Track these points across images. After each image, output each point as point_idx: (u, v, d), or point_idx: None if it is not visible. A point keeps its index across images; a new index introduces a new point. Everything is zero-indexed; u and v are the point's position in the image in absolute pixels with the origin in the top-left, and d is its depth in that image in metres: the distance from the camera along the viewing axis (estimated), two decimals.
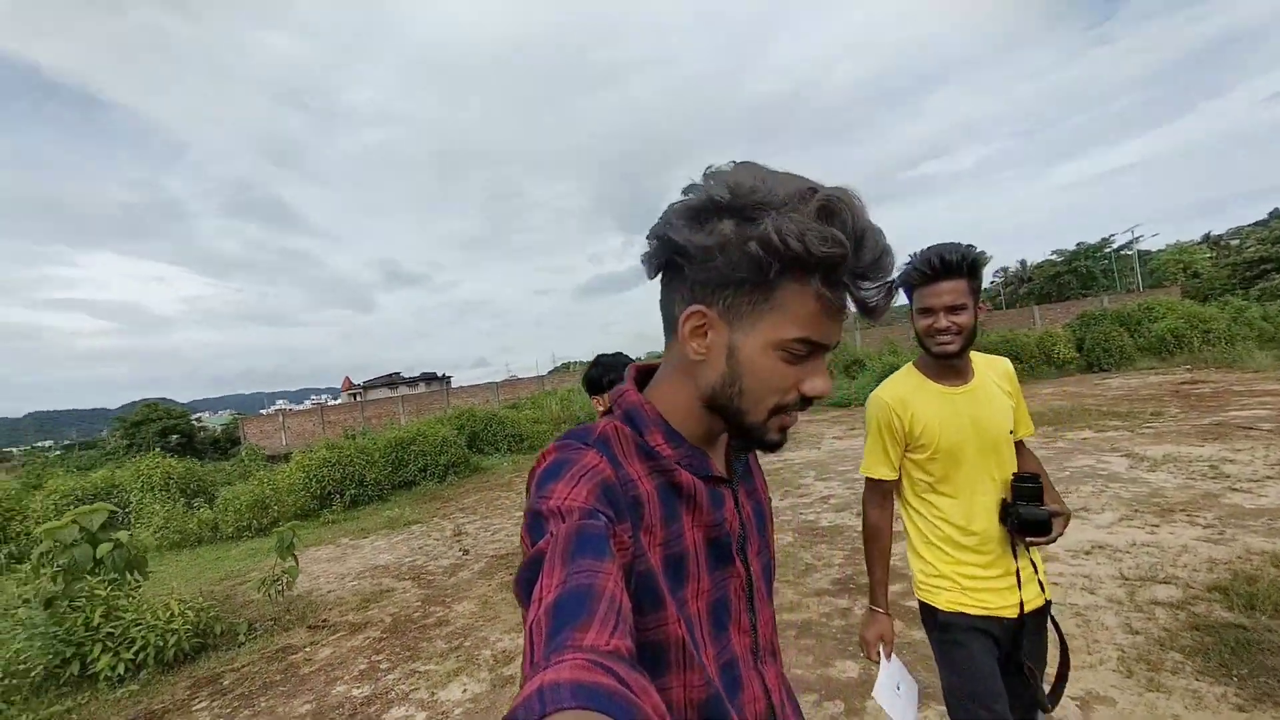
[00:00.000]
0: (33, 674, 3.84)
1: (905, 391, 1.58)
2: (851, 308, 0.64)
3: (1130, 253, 31.36)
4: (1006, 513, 1.48)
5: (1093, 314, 16.69)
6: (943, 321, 1.45)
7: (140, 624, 4.11)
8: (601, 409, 1.88)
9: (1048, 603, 1.55)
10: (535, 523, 0.56)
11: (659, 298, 0.72)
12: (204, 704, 3.57)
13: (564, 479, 0.60)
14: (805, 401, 0.67)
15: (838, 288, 0.61)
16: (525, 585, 0.51)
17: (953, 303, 1.44)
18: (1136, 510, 4.51)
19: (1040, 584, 1.53)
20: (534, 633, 0.44)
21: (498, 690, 3.25)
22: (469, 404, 20.71)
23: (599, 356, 2.36)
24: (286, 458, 12.32)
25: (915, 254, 1.49)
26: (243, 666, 4.02)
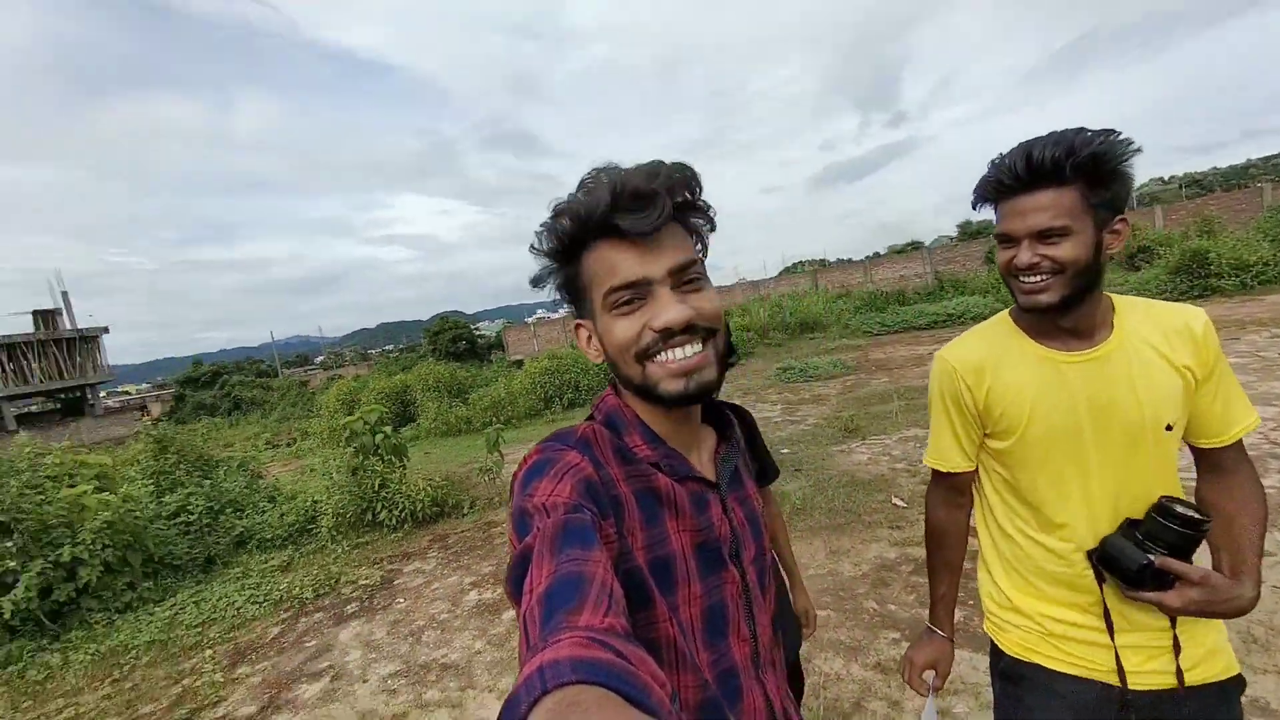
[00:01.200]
0: (348, 516, 5.65)
1: (982, 353, 1.11)
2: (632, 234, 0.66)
3: None
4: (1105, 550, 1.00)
5: None
6: (1025, 255, 0.96)
7: (401, 493, 5.68)
8: None
9: (1237, 678, 1.02)
10: (521, 520, 0.58)
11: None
12: (435, 554, 4.90)
13: (547, 477, 0.61)
14: (666, 335, 0.66)
15: (606, 233, 0.66)
16: (515, 581, 0.52)
17: (1042, 226, 0.93)
18: None
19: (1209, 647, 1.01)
20: (528, 621, 0.45)
21: None
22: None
23: None
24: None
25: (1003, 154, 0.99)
26: (462, 531, 5.34)
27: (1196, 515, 0.92)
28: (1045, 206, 0.93)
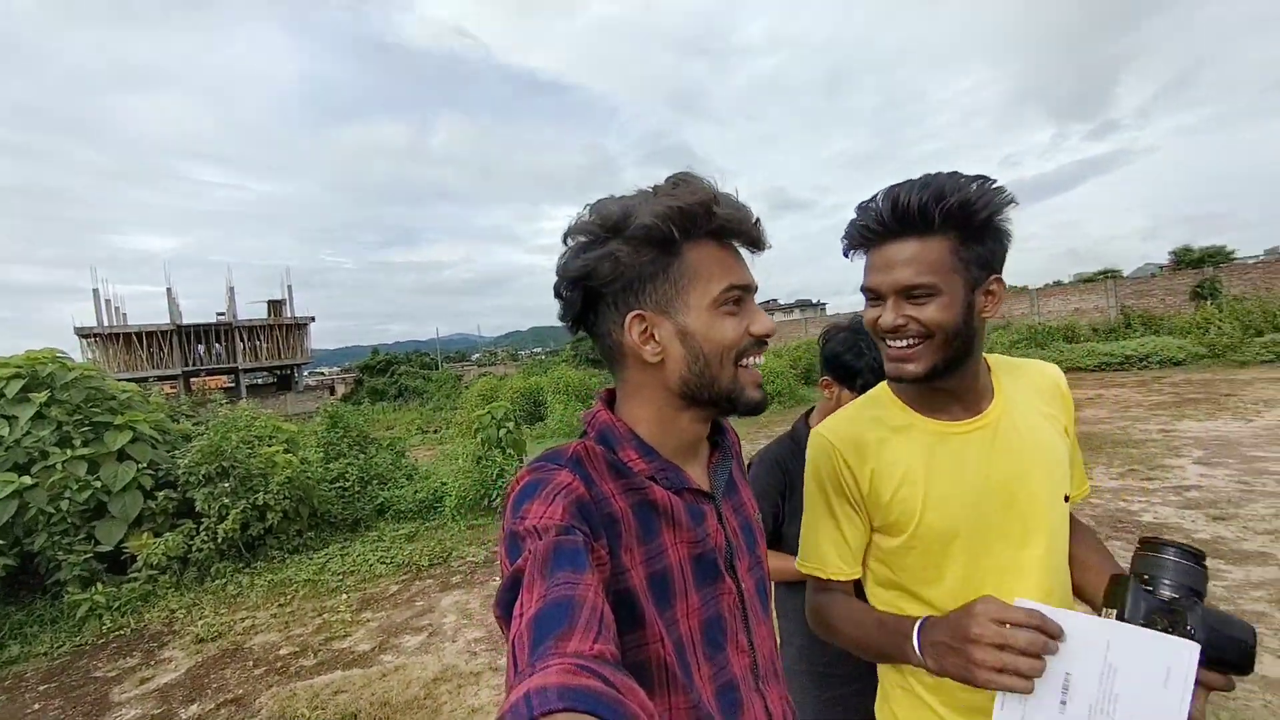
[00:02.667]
0: (468, 499, 6.37)
1: (862, 428, 0.95)
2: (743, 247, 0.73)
3: None
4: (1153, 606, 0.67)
5: None
6: (890, 315, 0.84)
7: None
8: (828, 396, 1.43)
9: None
10: (513, 543, 0.57)
11: (590, 345, 0.87)
12: None
13: (538, 498, 0.60)
14: (759, 343, 0.71)
15: (722, 233, 0.70)
16: (506, 605, 0.52)
17: (907, 281, 0.82)
18: None
19: None
20: (516, 646, 0.44)
21: None
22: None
23: (832, 330, 1.45)
24: None
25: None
26: None
27: (1192, 547, 0.69)
28: (911, 259, 0.82)
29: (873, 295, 0.88)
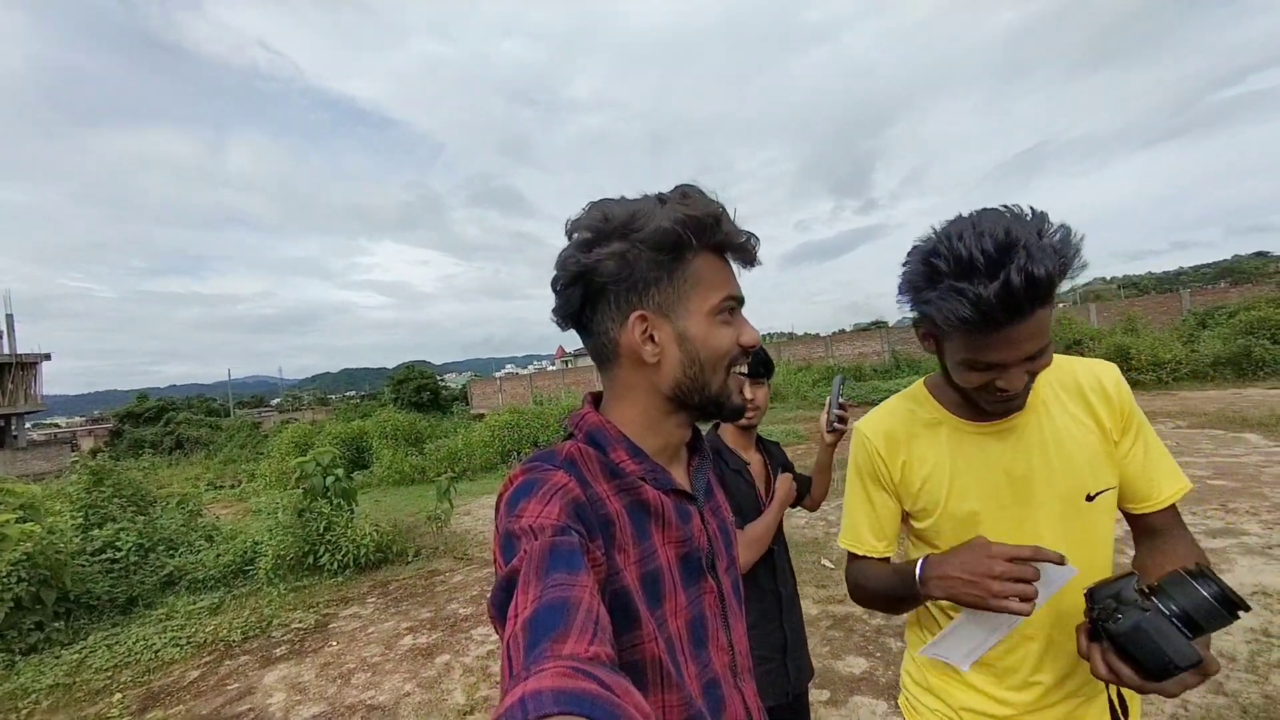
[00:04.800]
0: (289, 559, 5.52)
1: (896, 424, 1.04)
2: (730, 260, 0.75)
3: None
4: (1095, 625, 0.78)
5: None
6: (1018, 380, 0.83)
7: (346, 537, 5.60)
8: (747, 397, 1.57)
9: None
10: (508, 542, 0.57)
11: (582, 341, 0.77)
12: (374, 600, 4.83)
13: (535, 498, 0.60)
14: (745, 353, 0.74)
15: (724, 246, 0.73)
16: (500, 605, 0.51)
17: (1036, 350, 0.81)
18: None
19: None
20: (511, 648, 0.44)
21: None
22: None
23: None
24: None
25: (947, 249, 0.78)
26: (404, 579, 5.27)
27: (1236, 596, 0.72)
28: (1039, 332, 0.78)
29: (985, 366, 0.84)
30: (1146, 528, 0.97)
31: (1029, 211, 0.78)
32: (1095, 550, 0.93)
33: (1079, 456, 0.93)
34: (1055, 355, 0.93)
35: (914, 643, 1.09)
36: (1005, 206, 0.79)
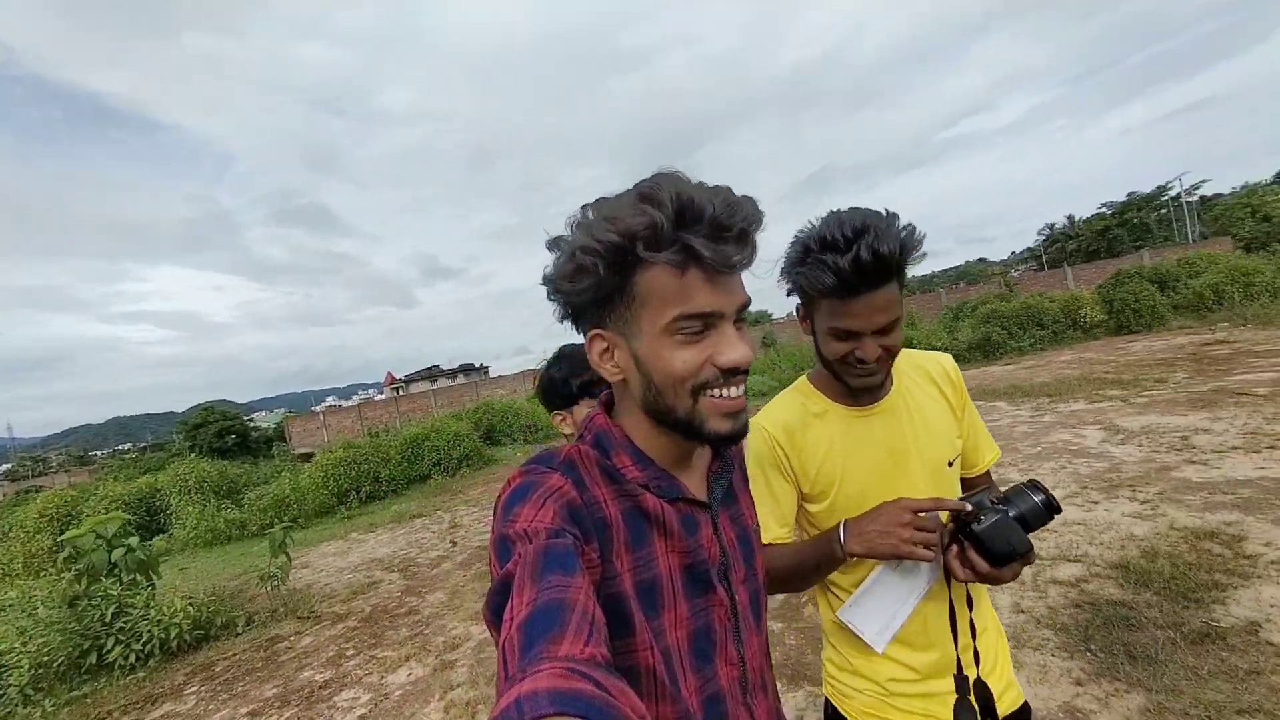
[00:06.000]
0: (57, 664, 4.37)
1: (791, 415, 1.14)
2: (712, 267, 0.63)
3: (1192, 198, 29.12)
4: (959, 531, 0.94)
5: (1127, 272, 15.86)
6: (871, 349, 0.96)
7: (147, 619, 4.61)
8: (568, 430, 1.44)
9: (1025, 707, 1.10)
10: (503, 546, 0.57)
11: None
12: (194, 689, 4.03)
13: (529, 502, 0.60)
14: (727, 375, 0.65)
15: (686, 254, 0.61)
16: (496, 609, 0.51)
17: (885, 322, 0.95)
18: (1085, 487, 4.48)
19: (1008, 677, 1.11)
20: (507, 650, 0.44)
21: (437, 674, 3.56)
22: (500, 394, 21.56)
23: (562, 349, 1.51)
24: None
25: (816, 233, 0.94)
26: (235, 655, 4.47)
27: (1057, 503, 0.93)
28: (887, 304, 0.94)
29: (843, 335, 0.97)
30: (970, 484, 1.19)
31: (884, 210, 0.94)
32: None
33: (939, 430, 1.10)
34: (909, 352, 1.15)
35: (825, 610, 1.18)
36: (864, 208, 0.94)
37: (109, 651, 4.45)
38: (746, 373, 0.68)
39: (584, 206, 0.66)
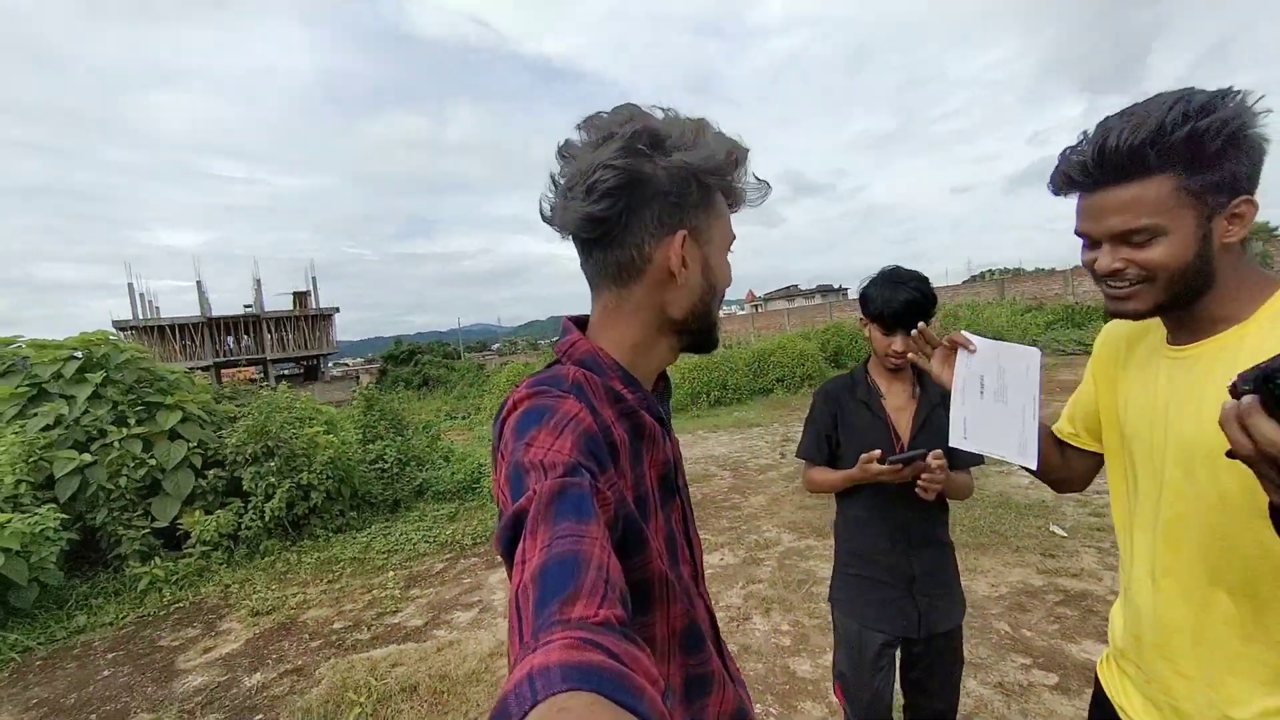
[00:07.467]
0: None
1: (1126, 333, 1.00)
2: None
3: None
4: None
5: None
6: (1106, 260, 0.81)
7: None
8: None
9: None
10: (517, 475, 0.55)
11: (589, 254, 0.73)
12: None
13: (546, 428, 0.58)
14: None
15: (733, 191, 0.76)
16: (507, 544, 0.51)
17: (1122, 229, 0.78)
18: None
19: None
20: (520, 602, 0.44)
21: (745, 566, 3.90)
22: (854, 316, 20.97)
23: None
24: None
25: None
26: None
27: None
28: (1126, 206, 0.76)
29: (1085, 239, 0.85)
30: None
31: (1185, 90, 0.73)
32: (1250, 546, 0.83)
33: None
34: None
35: None
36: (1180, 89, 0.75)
37: None
38: None
39: (618, 109, 0.70)
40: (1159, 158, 0.72)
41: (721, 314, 0.81)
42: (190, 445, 5.27)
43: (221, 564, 4.95)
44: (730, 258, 0.79)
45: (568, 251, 0.78)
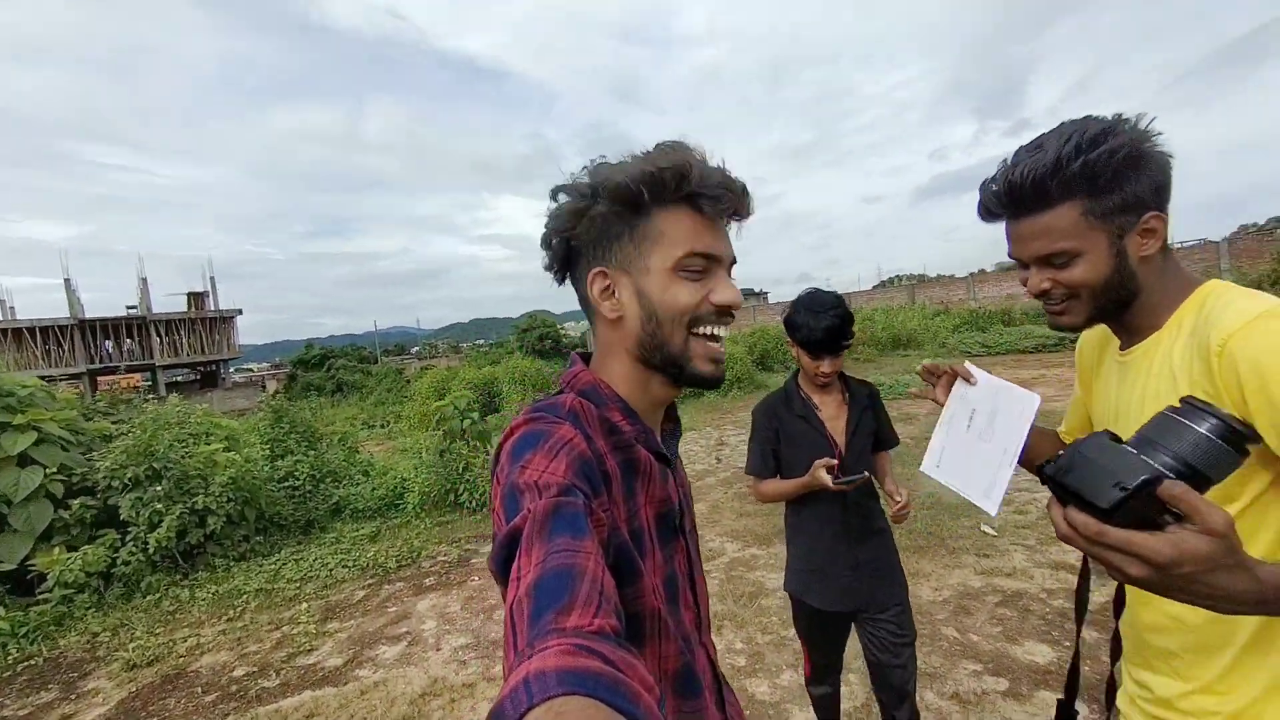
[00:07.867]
0: (432, 495, 5.98)
1: (1096, 339, 1.05)
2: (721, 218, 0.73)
3: None
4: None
5: None
6: (1035, 281, 0.87)
7: (483, 478, 5.93)
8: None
9: None
10: (511, 496, 0.56)
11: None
12: None
13: (541, 451, 0.59)
14: (720, 314, 0.72)
15: (698, 200, 0.69)
16: (502, 563, 0.51)
17: (1043, 253, 0.83)
18: None
19: None
20: (515, 615, 0.44)
21: None
22: (776, 320, 21.60)
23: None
24: None
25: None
26: None
27: (1241, 425, 0.56)
28: (1040, 233, 0.82)
29: (1019, 262, 0.90)
30: None
31: (1106, 118, 0.79)
32: None
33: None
34: (1230, 297, 0.84)
35: None
36: (1087, 118, 0.81)
37: (461, 495, 5.90)
38: (733, 317, 0.74)
39: (594, 162, 0.72)
40: (1060, 189, 0.78)
41: None
42: (48, 471, 4.54)
43: (88, 608, 4.28)
44: (726, 274, 0.74)
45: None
